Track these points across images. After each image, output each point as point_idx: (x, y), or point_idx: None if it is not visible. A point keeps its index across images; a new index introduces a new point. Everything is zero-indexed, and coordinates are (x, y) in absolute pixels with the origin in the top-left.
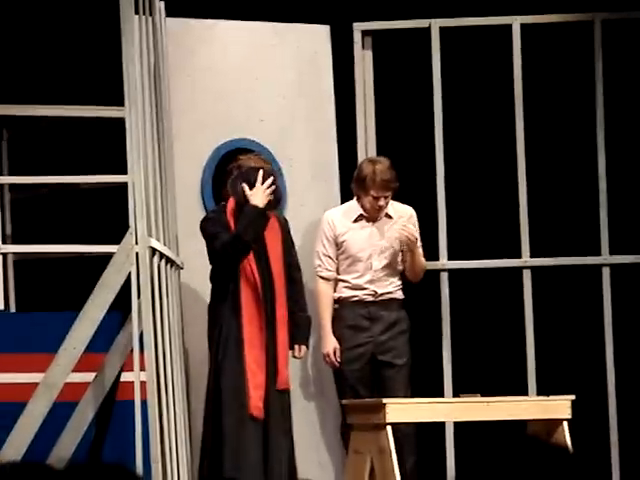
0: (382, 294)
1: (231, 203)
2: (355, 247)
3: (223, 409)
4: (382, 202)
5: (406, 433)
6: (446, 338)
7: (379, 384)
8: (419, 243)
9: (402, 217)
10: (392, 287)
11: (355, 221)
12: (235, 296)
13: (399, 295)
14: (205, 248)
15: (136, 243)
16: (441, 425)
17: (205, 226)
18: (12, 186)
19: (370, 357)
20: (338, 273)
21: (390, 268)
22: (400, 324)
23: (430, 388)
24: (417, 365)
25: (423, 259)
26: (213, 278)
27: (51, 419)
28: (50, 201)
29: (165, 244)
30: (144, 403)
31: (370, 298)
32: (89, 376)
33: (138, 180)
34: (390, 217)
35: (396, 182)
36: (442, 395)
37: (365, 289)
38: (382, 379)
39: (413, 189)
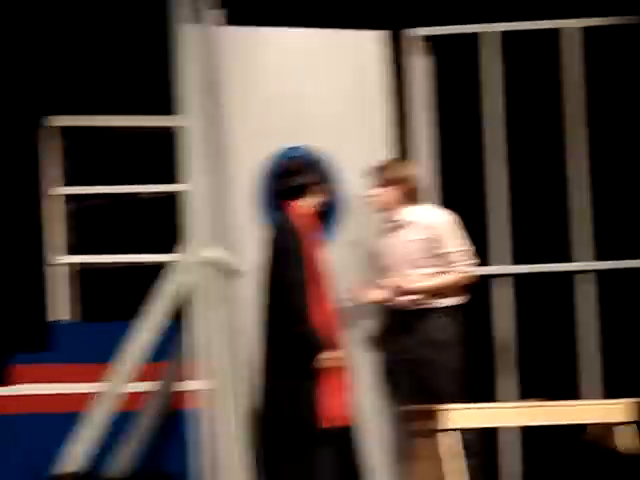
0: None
1: (298, 208)
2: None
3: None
4: (371, 191)
5: (470, 438)
6: (509, 343)
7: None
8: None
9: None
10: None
11: None
12: None
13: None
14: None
15: (192, 252)
16: (504, 429)
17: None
18: (73, 196)
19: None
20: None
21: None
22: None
23: (488, 393)
24: (479, 370)
25: (437, 283)
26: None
27: (111, 429)
28: (109, 210)
29: (221, 252)
30: (201, 412)
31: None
32: (147, 386)
33: (194, 189)
34: (410, 223)
35: (384, 172)
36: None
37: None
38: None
39: (463, 194)
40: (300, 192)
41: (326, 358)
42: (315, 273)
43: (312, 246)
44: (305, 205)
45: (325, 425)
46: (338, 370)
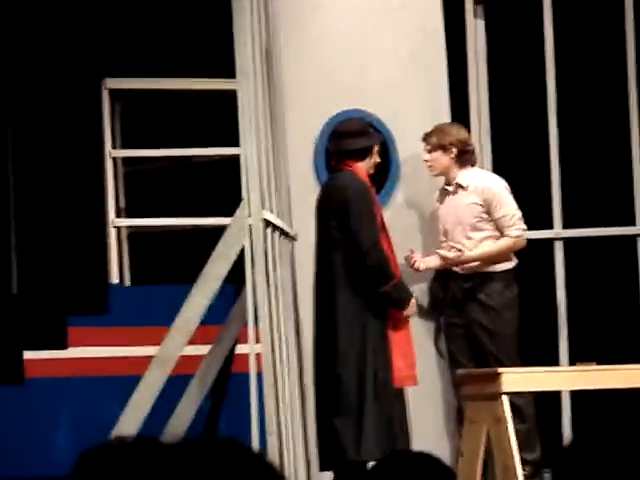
0: None
1: (361, 170)
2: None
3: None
4: (425, 156)
5: (523, 402)
6: (561, 307)
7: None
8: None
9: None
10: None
11: None
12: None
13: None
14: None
15: (249, 215)
16: (557, 394)
17: (359, 214)
18: (126, 159)
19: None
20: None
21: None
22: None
23: (545, 357)
24: (531, 334)
25: (491, 249)
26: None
27: (167, 392)
28: (164, 174)
29: (278, 216)
30: (259, 376)
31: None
32: (204, 349)
33: (251, 152)
34: (463, 187)
35: (433, 137)
36: (558, 364)
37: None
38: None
39: (526, 157)
40: (362, 154)
41: (407, 312)
42: (384, 234)
43: (378, 207)
44: (365, 167)
45: (397, 385)
46: (407, 330)
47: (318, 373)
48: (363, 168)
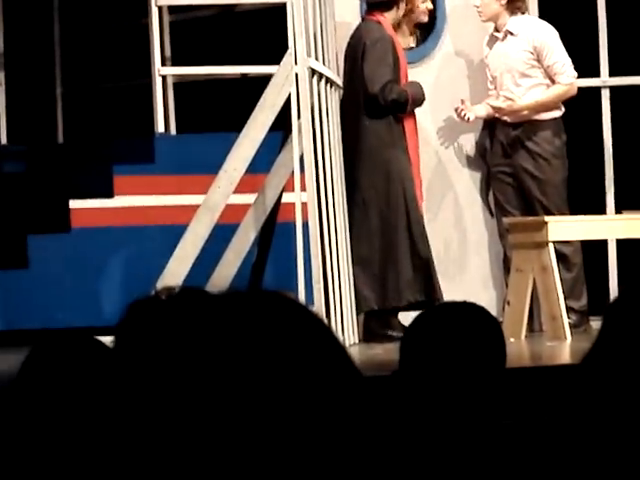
0: None
1: (386, 19)
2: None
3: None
4: (475, 1)
5: (570, 250)
6: (608, 154)
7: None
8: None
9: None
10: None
11: None
12: (399, 131)
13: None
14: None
15: (295, 63)
16: (604, 243)
17: (373, 58)
18: (171, 8)
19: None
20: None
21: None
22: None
23: (592, 206)
24: (578, 183)
25: (544, 97)
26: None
27: (212, 241)
28: (210, 23)
29: (325, 64)
30: (305, 225)
31: None
32: (250, 198)
33: (297, 0)
34: (513, 34)
35: None
36: (604, 213)
37: None
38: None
39: (572, 3)
40: (387, 6)
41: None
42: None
43: (401, 58)
44: (391, 17)
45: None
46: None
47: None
48: (389, 18)
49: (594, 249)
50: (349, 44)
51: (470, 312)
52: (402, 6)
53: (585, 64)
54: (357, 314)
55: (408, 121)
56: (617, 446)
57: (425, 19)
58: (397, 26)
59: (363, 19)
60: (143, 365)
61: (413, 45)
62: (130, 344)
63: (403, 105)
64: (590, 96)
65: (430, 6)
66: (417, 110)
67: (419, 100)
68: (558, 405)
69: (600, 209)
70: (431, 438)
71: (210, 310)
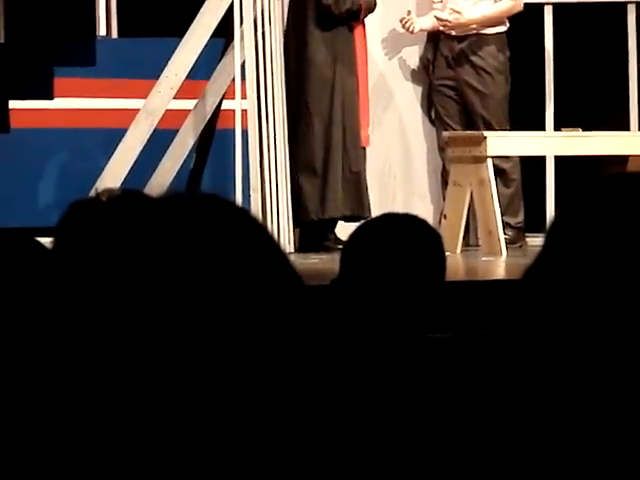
0: None
1: None
2: None
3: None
4: None
5: (509, 165)
6: (549, 72)
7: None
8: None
9: None
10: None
11: None
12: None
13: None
14: None
15: None
16: (542, 160)
17: None
18: None
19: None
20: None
21: None
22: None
23: (532, 122)
24: (519, 99)
25: (491, 11)
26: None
27: (151, 146)
28: None
29: None
30: (245, 132)
31: None
32: (190, 103)
33: None
34: None
35: None
36: (544, 129)
37: None
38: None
39: None
40: None
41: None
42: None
43: None
44: None
45: (364, 144)
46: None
47: (289, 127)
48: None
49: (533, 166)
50: None
51: (412, 224)
52: None
53: None
54: (295, 225)
55: (358, 31)
56: (566, 362)
57: None
58: None
59: None
60: (83, 266)
61: None
62: (70, 245)
63: (356, 13)
64: (533, 13)
65: None
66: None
67: (371, 6)
68: (498, 321)
69: (540, 126)
70: (367, 348)
71: (151, 212)
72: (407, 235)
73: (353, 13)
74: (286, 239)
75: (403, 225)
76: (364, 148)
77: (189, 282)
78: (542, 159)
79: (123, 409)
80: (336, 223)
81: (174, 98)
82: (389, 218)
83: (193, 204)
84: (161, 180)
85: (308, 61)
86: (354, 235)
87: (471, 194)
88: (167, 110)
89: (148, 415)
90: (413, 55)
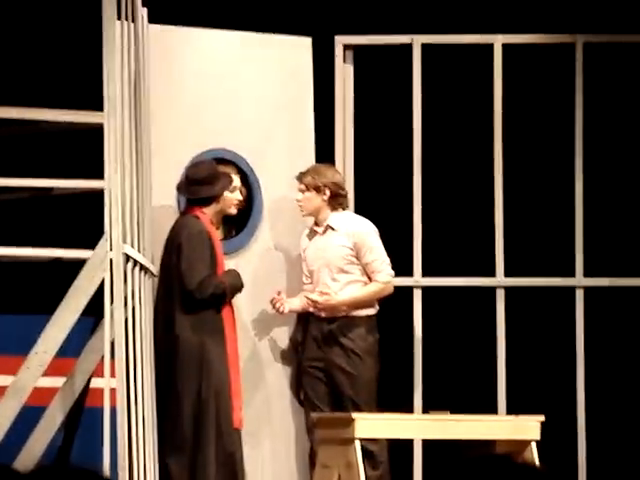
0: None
1: (205, 215)
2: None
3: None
4: (297, 195)
5: (376, 448)
6: (417, 355)
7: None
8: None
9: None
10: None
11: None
12: (217, 323)
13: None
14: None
15: (110, 249)
16: (410, 441)
17: (189, 255)
18: None
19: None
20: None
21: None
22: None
23: (400, 404)
24: (387, 381)
25: (361, 294)
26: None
27: (20, 423)
28: (27, 205)
29: (140, 251)
30: (113, 410)
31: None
32: (59, 381)
33: (114, 186)
34: (333, 229)
35: (308, 176)
36: (412, 411)
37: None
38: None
39: (388, 204)
40: (207, 202)
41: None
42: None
43: (218, 251)
44: (211, 212)
45: (236, 426)
46: (238, 371)
47: (158, 407)
48: (208, 213)
49: (400, 448)
50: (168, 237)
51: None
52: (224, 200)
53: (400, 263)
54: None
55: (227, 311)
56: None
57: (233, 211)
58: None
59: (182, 213)
60: None
61: (221, 237)
62: None
63: (222, 297)
64: (403, 295)
65: (239, 197)
66: (234, 300)
67: (237, 288)
68: None
69: (408, 408)
70: None
71: None
72: None
73: (218, 297)
74: None
75: None
76: (238, 430)
77: None
78: (410, 441)
79: None
80: None
81: (43, 375)
82: None
83: (65, 478)
84: (30, 457)
85: (177, 343)
86: None
87: (339, 476)
88: (35, 387)
89: None
90: (283, 335)
